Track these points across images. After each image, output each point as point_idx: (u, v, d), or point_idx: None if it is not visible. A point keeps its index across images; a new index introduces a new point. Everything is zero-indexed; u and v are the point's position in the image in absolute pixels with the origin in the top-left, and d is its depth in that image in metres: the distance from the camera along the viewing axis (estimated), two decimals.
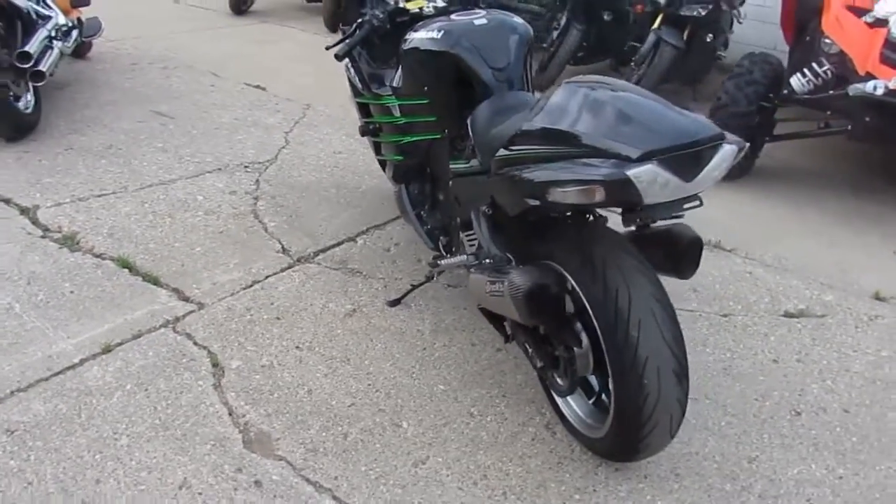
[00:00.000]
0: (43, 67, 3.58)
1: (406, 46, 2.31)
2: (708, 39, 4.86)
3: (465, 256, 2.10)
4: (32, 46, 3.54)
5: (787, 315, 2.77)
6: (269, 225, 3.11)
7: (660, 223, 1.93)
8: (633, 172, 1.43)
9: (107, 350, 2.27)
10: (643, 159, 1.44)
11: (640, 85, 4.79)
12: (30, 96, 3.72)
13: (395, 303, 2.60)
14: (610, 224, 1.91)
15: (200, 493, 1.82)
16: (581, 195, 1.52)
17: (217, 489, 1.83)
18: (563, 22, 5.30)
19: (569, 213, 1.87)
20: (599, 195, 1.49)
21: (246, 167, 3.64)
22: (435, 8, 2.55)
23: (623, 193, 1.47)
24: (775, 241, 3.31)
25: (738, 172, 3.96)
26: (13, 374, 2.14)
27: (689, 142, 1.47)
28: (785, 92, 3.80)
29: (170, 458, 1.91)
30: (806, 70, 3.71)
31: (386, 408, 2.15)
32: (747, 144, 1.63)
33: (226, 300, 2.58)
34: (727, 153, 1.50)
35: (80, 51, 5.00)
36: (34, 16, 3.90)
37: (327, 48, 2.53)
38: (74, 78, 4.70)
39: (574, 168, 1.53)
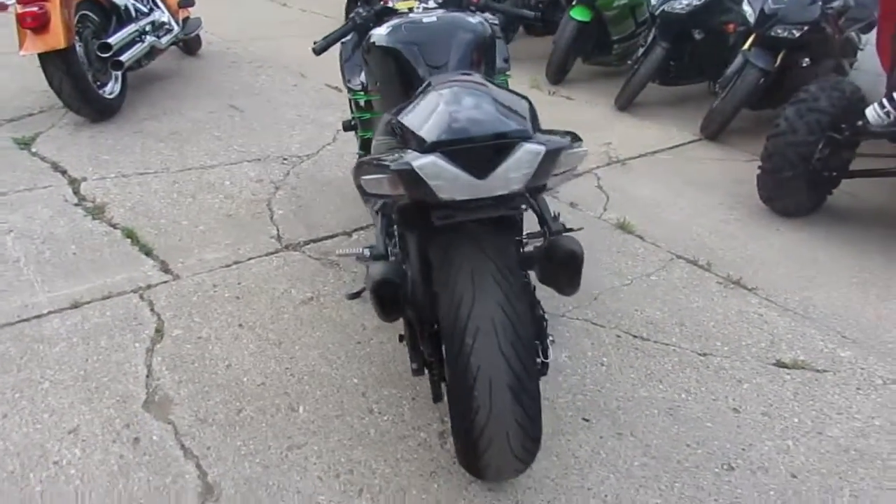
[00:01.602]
0: (123, 58, 4.00)
1: (366, 42, 2.35)
2: (804, 64, 4.42)
3: (361, 249, 2.10)
4: (115, 39, 3.96)
5: (779, 364, 2.48)
6: (276, 213, 3.26)
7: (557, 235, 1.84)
8: (417, 164, 1.38)
9: (74, 306, 2.50)
10: (428, 151, 1.38)
11: (717, 110, 4.48)
12: (114, 83, 4.17)
13: (354, 296, 2.63)
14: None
15: (84, 440, 1.96)
16: (380, 185, 1.48)
17: (99, 439, 1.96)
18: (649, 39, 5.09)
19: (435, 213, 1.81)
20: (399, 187, 1.45)
21: (284, 160, 3.83)
22: (426, 9, 2.56)
23: (416, 186, 1.42)
24: (812, 286, 2.97)
25: (806, 209, 3.59)
26: None
27: (475, 136, 1.39)
28: (859, 123, 3.38)
29: (74, 406, 2.07)
30: (885, 101, 3.29)
31: (291, 392, 2.19)
32: (560, 149, 1.48)
33: (200, 275, 2.75)
34: (526, 154, 1.40)
35: (191, 48, 5.51)
36: (132, 12, 4.37)
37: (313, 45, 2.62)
38: (174, 71, 5.19)
39: (384, 159, 1.50)
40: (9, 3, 3.59)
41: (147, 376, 2.21)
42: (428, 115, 1.51)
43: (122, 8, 4.28)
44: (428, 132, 1.44)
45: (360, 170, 1.59)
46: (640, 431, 2.14)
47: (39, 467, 1.86)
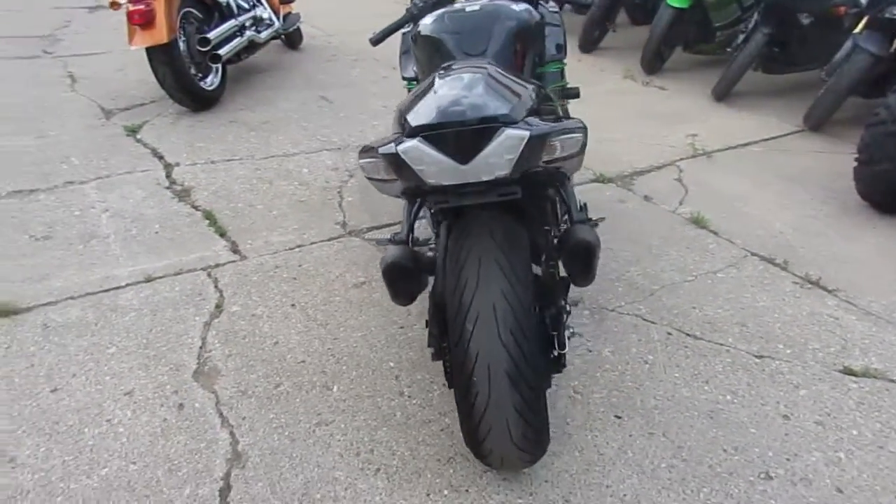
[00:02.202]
0: (221, 51, 4.26)
1: (413, 31, 2.38)
2: None
3: (391, 235, 2.13)
4: (214, 34, 4.22)
5: (846, 371, 2.31)
6: (345, 200, 3.38)
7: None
8: (401, 147, 1.40)
9: (148, 280, 2.72)
10: (412, 135, 1.39)
11: (822, 98, 4.16)
12: (214, 76, 4.45)
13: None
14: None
15: (136, 403, 2.13)
16: (376, 169, 1.51)
17: (149, 402, 2.13)
18: (750, 25, 4.80)
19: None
20: (390, 171, 1.47)
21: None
22: None
23: (403, 170, 1.44)
24: None
25: None
26: (75, 285, 2.68)
27: (456, 120, 1.39)
28: None
29: (133, 371, 2.26)
30: None
31: (328, 371, 2.28)
32: (545, 134, 1.44)
33: (265, 257, 2.90)
34: (508, 139, 1.38)
35: (293, 42, 5.77)
36: (234, 8, 4.64)
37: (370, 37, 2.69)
38: (274, 64, 5.46)
39: (376, 144, 1.53)
40: (122, 1, 3.91)
41: (201, 348, 2.37)
42: (419, 100, 1.52)
43: (224, 5, 4.55)
44: (413, 117, 1.45)
45: (360, 155, 1.63)
46: (673, 432, 2.05)
47: (94, 423, 2.05)
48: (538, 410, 1.64)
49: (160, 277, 2.74)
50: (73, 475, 1.88)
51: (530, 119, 1.43)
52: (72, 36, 6.05)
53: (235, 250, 2.95)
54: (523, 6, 2.28)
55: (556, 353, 1.81)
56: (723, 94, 4.87)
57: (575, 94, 2.68)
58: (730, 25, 5.29)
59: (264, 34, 4.90)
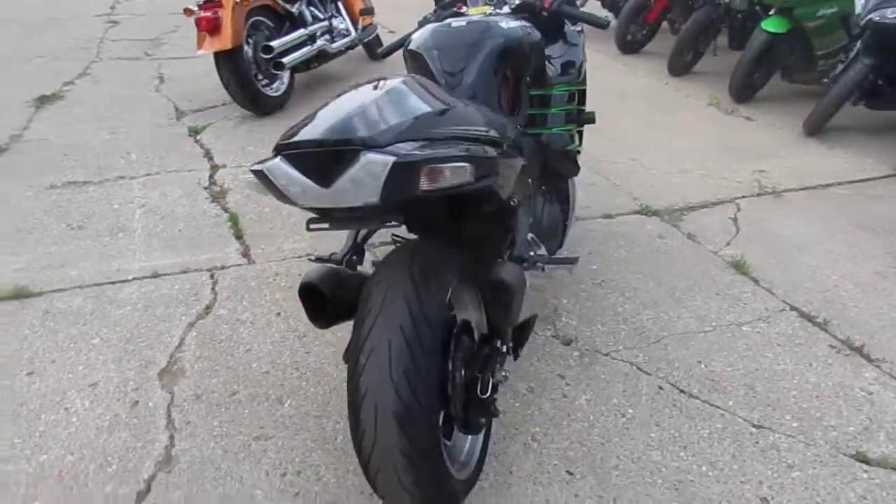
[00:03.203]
0: (285, 59, 4.37)
1: (405, 45, 2.32)
2: None
3: (329, 255, 2.05)
4: (278, 42, 4.34)
5: (858, 457, 2.00)
6: None
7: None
8: (266, 165, 1.32)
9: (154, 276, 2.80)
10: (276, 153, 1.31)
11: None
12: (280, 82, 4.58)
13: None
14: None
15: (96, 395, 2.18)
16: (259, 187, 1.44)
17: (109, 396, 2.17)
18: (851, 54, 4.35)
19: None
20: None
21: None
22: (497, 13, 2.47)
23: (273, 189, 1.36)
24: None
25: None
26: (88, 276, 2.80)
27: (314, 140, 1.29)
28: None
29: (106, 364, 2.32)
30: None
31: (287, 385, 2.24)
32: (416, 161, 1.31)
33: (271, 263, 2.91)
34: (370, 165, 1.26)
35: (374, 52, 5.85)
36: (308, 18, 4.76)
37: (378, 51, 2.65)
38: (350, 72, 5.55)
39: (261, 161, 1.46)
40: (194, 8, 4.10)
41: (176, 347, 2.40)
42: (309, 115, 1.45)
43: (297, 14, 4.68)
44: (286, 133, 1.38)
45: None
46: (626, 500, 1.84)
47: (52, 410, 2.11)
48: (432, 456, 1.51)
49: (166, 275, 2.81)
50: (15, 458, 1.94)
51: (403, 144, 1.31)
52: (175, 40, 6.45)
53: (246, 254, 2.98)
54: (517, 24, 2.16)
55: (486, 398, 1.68)
56: (815, 129, 4.44)
57: (589, 119, 2.51)
58: (835, 53, 4.84)
59: (337, 44, 4.99)
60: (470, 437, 1.85)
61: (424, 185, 1.31)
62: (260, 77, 4.45)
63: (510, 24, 2.14)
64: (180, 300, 2.65)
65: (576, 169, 2.47)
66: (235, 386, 2.23)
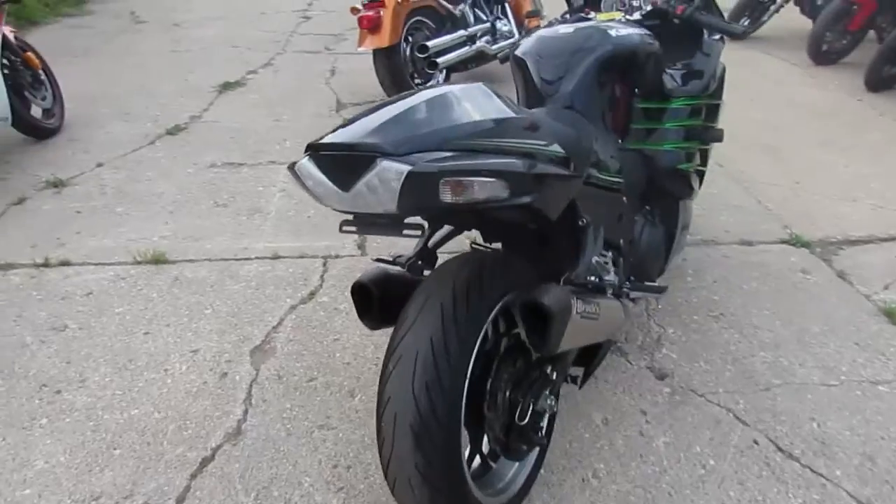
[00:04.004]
0: (439, 59, 4.44)
1: (513, 50, 2.25)
2: None
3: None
4: (434, 42, 4.42)
5: None
6: None
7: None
8: (298, 164, 1.33)
9: (274, 257, 2.98)
10: (307, 152, 1.31)
11: None
12: (435, 81, 4.67)
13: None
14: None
15: (193, 361, 2.36)
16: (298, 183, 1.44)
17: (204, 364, 2.34)
18: None
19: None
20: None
21: None
22: (627, 20, 2.34)
23: (303, 187, 1.36)
24: None
25: None
26: (218, 250, 3.03)
27: (344, 143, 1.26)
28: None
29: (211, 334, 2.49)
30: None
31: (363, 378, 2.27)
32: (434, 173, 1.23)
33: (382, 256, 2.97)
34: (384, 172, 1.21)
35: None
36: (470, 19, 4.80)
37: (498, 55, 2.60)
38: (506, 73, 5.50)
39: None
40: (360, 7, 4.30)
41: (274, 328, 2.53)
42: (348, 119, 1.43)
43: (459, 16, 4.74)
44: (325, 134, 1.37)
45: None
46: None
47: (154, 369, 2.32)
48: (449, 476, 1.45)
49: (285, 257, 2.98)
50: (112, 408, 2.16)
51: (424, 154, 1.25)
52: (356, 36, 6.78)
53: (361, 245, 3.08)
54: (630, 31, 2.02)
55: (519, 424, 1.60)
56: None
57: (715, 137, 2.29)
58: None
59: (497, 46, 4.98)
60: (516, 462, 1.76)
61: (447, 197, 1.25)
62: (416, 76, 4.56)
63: (621, 31, 2.01)
64: (290, 283, 2.80)
65: (688, 190, 2.26)
66: (315, 372, 2.30)
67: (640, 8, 2.38)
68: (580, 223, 1.69)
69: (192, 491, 1.86)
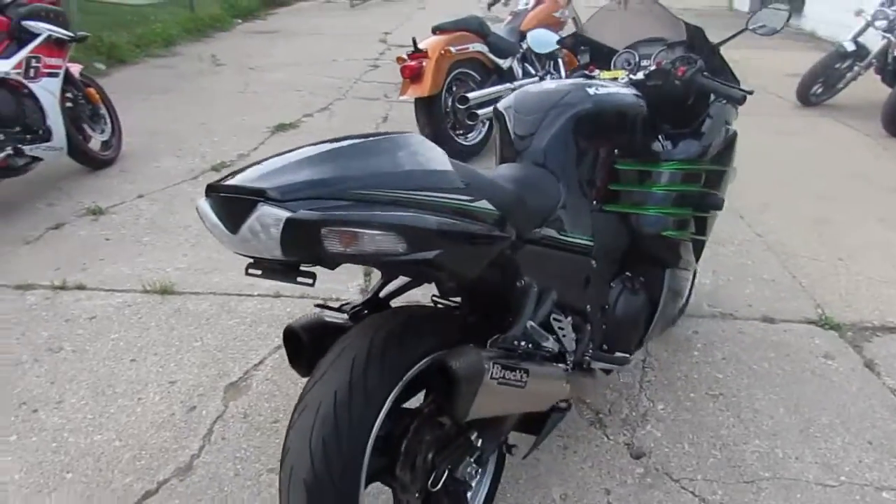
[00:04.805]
0: (480, 112, 4.43)
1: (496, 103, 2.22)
2: None
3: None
4: (475, 94, 4.40)
5: None
6: None
7: None
8: (197, 203, 1.31)
9: (275, 295, 3.00)
10: (205, 192, 1.29)
11: None
12: (476, 133, 4.70)
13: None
14: None
15: (168, 392, 2.37)
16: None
17: (177, 395, 2.35)
18: None
19: None
20: None
21: None
22: (631, 79, 2.28)
23: (207, 228, 1.34)
24: None
25: None
26: (224, 284, 3.08)
27: (232, 185, 1.23)
28: None
29: (193, 366, 2.51)
30: None
31: None
32: (315, 221, 1.19)
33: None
34: (264, 217, 1.17)
35: None
36: (518, 73, 4.82)
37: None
38: None
39: None
40: (405, 57, 4.39)
41: (254, 366, 2.52)
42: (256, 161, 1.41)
43: (506, 69, 4.75)
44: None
45: None
46: None
47: (129, 397, 2.35)
48: None
49: (285, 296, 2.99)
50: (78, 431, 2.19)
51: (312, 202, 1.21)
52: None
53: (364, 289, 3.06)
54: (614, 91, 1.97)
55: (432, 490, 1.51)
56: None
57: (714, 205, 2.16)
58: None
59: None
60: None
61: (335, 247, 1.21)
62: (456, 126, 4.59)
63: (602, 90, 1.94)
64: (283, 322, 2.77)
65: (675, 258, 2.12)
66: (281, 414, 2.27)
67: (646, 68, 2.30)
68: (518, 284, 1.61)
69: None
